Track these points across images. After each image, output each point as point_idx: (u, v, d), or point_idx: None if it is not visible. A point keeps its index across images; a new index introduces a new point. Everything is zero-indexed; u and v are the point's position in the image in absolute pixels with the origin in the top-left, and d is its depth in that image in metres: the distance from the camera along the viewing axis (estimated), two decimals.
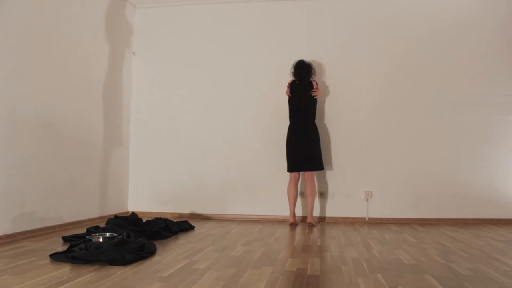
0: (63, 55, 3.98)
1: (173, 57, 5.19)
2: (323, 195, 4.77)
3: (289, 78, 4.60)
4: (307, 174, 4.44)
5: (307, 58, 4.58)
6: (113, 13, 4.83)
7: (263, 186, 4.85)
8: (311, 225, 4.35)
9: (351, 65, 4.84)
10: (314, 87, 4.50)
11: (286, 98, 4.57)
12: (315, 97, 4.51)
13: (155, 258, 2.72)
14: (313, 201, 4.45)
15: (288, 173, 4.53)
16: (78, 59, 4.20)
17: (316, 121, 4.56)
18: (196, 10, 5.17)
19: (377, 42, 4.82)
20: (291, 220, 4.44)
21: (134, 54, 5.24)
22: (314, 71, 4.59)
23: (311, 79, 4.55)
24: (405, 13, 4.82)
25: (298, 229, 4.20)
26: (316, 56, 4.80)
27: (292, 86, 4.54)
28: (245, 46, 5.05)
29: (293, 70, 4.57)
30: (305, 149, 4.42)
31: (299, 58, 4.58)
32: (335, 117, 4.83)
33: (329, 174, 4.79)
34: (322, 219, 4.76)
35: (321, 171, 4.68)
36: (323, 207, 4.78)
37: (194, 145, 5.05)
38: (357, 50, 4.84)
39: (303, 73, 4.51)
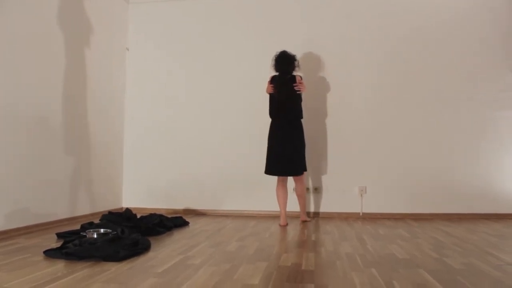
0: (58, 51, 3.96)
1: (167, 53, 5.16)
2: (317, 190, 4.78)
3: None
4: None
5: (303, 54, 4.49)
6: (106, 9, 4.80)
7: (257, 181, 4.82)
8: (305, 221, 4.31)
9: (347, 60, 4.83)
10: (297, 81, 4.10)
11: None
12: (298, 92, 4.11)
13: (150, 254, 2.72)
14: (304, 202, 4.34)
15: None
16: (72, 55, 4.17)
17: (302, 120, 4.22)
18: (191, 6, 5.14)
19: (372, 39, 4.82)
20: (283, 223, 4.07)
21: (127, 50, 5.21)
22: (298, 63, 4.17)
23: (294, 73, 4.16)
24: (399, 9, 4.81)
25: (293, 224, 4.21)
26: (313, 52, 4.78)
27: (272, 82, 4.16)
28: (241, 42, 5.03)
29: (273, 63, 4.13)
30: (285, 152, 4.07)
31: (286, 51, 4.18)
32: (330, 113, 4.83)
33: (323, 170, 4.79)
34: (316, 215, 4.77)
35: (316, 167, 4.69)
36: (317, 202, 4.79)
37: (189, 142, 5.04)
38: (352, 46, 4.83)
39: (284, 66, 4.09)
